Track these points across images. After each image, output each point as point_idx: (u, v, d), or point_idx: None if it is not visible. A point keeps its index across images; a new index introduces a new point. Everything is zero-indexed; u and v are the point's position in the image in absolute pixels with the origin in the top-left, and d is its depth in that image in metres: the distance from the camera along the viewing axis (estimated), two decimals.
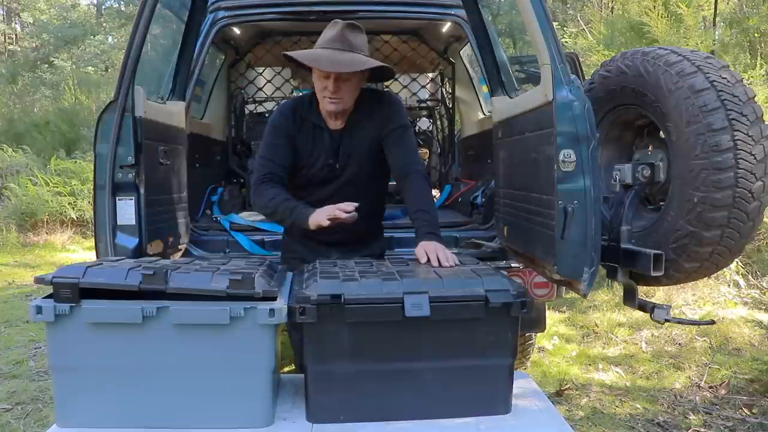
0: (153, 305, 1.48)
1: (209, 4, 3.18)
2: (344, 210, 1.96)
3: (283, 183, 2.13)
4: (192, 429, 1.52)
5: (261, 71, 4.47)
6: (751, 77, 5.61)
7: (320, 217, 1.97)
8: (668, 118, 1.80)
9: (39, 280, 1.51)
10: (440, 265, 1.83)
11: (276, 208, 2.06)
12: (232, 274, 1.53)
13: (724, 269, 3.78)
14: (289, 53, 2.08)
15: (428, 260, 1.87)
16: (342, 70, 2.02)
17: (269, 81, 4.48)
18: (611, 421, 3.07)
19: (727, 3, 7.49)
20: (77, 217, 8.61)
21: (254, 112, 4.57)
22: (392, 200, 3.87)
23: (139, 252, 2.15)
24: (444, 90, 4.62)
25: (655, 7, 6.41)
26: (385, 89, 4.53)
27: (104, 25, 19.81)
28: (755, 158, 1.67)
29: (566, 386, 3.47)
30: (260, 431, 1.54)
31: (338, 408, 1.57)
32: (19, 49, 20.01)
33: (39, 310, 1.47)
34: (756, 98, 1.74)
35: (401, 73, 4.53)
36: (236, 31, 3.81)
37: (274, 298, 1.55)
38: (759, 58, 6.32)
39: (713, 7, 7.03)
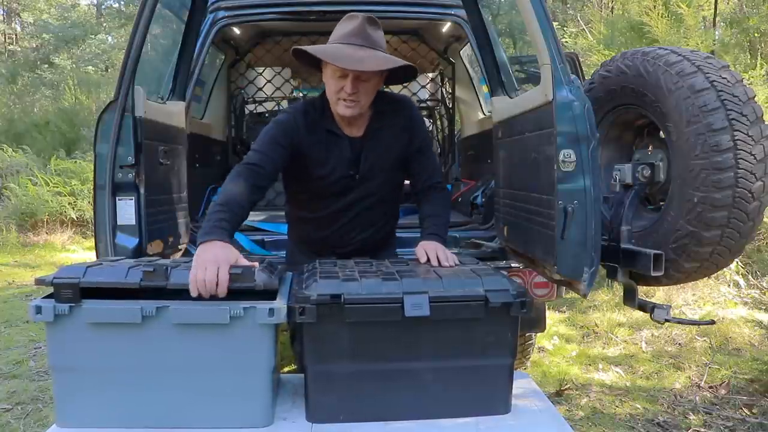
0: (153, 305, 1.48)
1: (209, 4, 3.18)
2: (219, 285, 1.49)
3: (264, 179, 1.86)
4: (192, 429, 1.52)
5: (261, 71, 4.47)
6: (751, 77, 5.61)
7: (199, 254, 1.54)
8: (668, 118, 1.80)
9: (40, 282, 1.51)
10: (440, 264, 1.83)
11: (212, 207, 1.74)
12: (232, 268, 1.53)
13: (724, 269, 3.78)
14: (303, 47, 1.88)
15: (428, 260, 1.87)
16: (365, 68, 1.82)
17: (269, 81, 4.48)
18: (611, 421, 3.07)
19: (727, 3, 7.49)
20: (77, 217, 8.61)
21: (254, 112, 4.57)
22: None
23: (139, 252, 2.15)
24: (444, 90, 4.62)
25: (655, 7, 6.41)
26: (385, 89, 4.54)
27: (104, 25, 19.81)
28: (755, 158, 1.67)
29: (566, 386, 3.47)
30: (260, 431, 1.54)
31: (338, 408, 1.57)
32: (19, 49, 20.01)
33: (39, 310, 1.47)
34: (756, 98, 1.74)
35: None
36: (236, 31, 3.81)
37: (274, 293, 1.54)
38: (759, 58, 6.32)
39: (713, 7, 7.04)
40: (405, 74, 2.03)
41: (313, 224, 2.14)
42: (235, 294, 1.50)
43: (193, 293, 1.47)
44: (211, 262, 1.48)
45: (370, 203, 2.08)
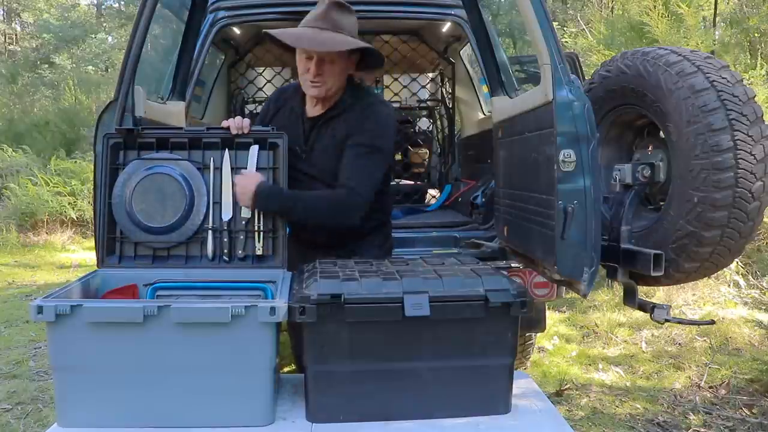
0: (154, 304, 1.49)
1: (209, 4, 3.18)
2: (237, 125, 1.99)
3: None
4: (192, 428, 1.52)
5: (261, 71, 4.47)
6: (751, 77, 5.62)
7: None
8: (668, 118, 1.80)
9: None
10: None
11: None
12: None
13: (724, 269, 3.79)
14: (270, 31, 2.00)
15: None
16: (322, 49, 1.93)
17: (269, 81, 4.48)
18: (611, 421, 3.07)
19: (727, 3, 7.49)
20: (77, 217, 8.62)
21: (254, 112, 4.56)
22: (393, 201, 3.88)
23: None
24: (444, 90, 4.62)
25: (655, 7, 6.41)
26: (385, 88, 4.54)
27: (104, 25, 19.81)
28: (755, 158, 1.67)
29: (566, 386, 3.47)
30: (260, 430, 1.54)
31: (338, 408, 1.57)
32: (19, 49, 20.00)
33: (40, 309, 1.47)
34: (756, 98, 1.74)
35: (401, 73, 4.53)
36: (236, 31, 3.81)
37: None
38: (759, 58, 6.33)
39: (713, 7, 7.04)
40: (375, 62, 2.11)
41: None
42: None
43: (224, 124, 2.00)
44: (238, 118, 2.04)
45: (319, 186, 2.05)
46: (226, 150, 1.99)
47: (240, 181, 1.94)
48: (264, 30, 2.06)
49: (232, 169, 1.99)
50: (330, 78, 1.99)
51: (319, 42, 1.93)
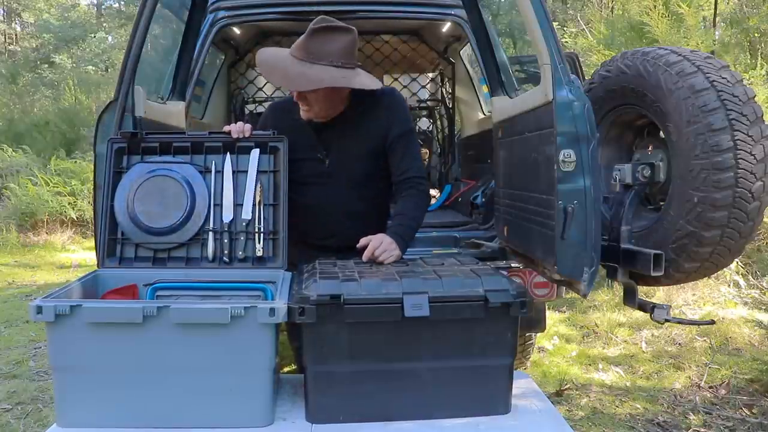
0: (153, 305, 1.49)
1: (209, 4, 3.18)
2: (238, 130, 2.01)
3: None
4: (192, 428, 1.52)
5: None
6: (751, 77, 5.62)
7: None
8: (668, 118, 1.80)
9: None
10: (373, 256, 1.89)
11: None
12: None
13: (724, 269, 3.78)
14: (258, 56, 2.03)
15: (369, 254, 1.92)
16: (290, 87, 2.01)
17: (269, 81, 4.48)
18: (611, 421, 3.07)
19: (727, 3, 7.49)
20: (77, 217, 8.62)
21: (254, 112, 4.56)
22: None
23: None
24: (444, 90, 4.62)
25: (655, 7, 6.41)
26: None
27: (104, 25, 19.81)
28: (755, 158, 1.67)
29: (566, 386, 3.47)
30: (260, 431, 1.54)
31: (338, 408, 1.57)
32: (19, 49, 20.00)
33: (39, 310, 1.47)
34: (756, 98, 1.74)
35: (401, 73, 4.53)
36: (236, 31, 3.81)
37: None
38: (759, 58, 6.33)
39: (713, 7, 7.04)
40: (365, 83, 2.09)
41: (297, 213, 2.11)
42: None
43: (226, 129, 2.03)
44: (240, 123, 2.05)
45: (345, 190, 2.12)
46: (228, 154, 2.01)
47: (384, 256, 1.91)
48: (260, 49, 2.08)
49: (233, 172, 2.00)
50: (315, 105, 2.01)
51: (289, 79, 1.96)
